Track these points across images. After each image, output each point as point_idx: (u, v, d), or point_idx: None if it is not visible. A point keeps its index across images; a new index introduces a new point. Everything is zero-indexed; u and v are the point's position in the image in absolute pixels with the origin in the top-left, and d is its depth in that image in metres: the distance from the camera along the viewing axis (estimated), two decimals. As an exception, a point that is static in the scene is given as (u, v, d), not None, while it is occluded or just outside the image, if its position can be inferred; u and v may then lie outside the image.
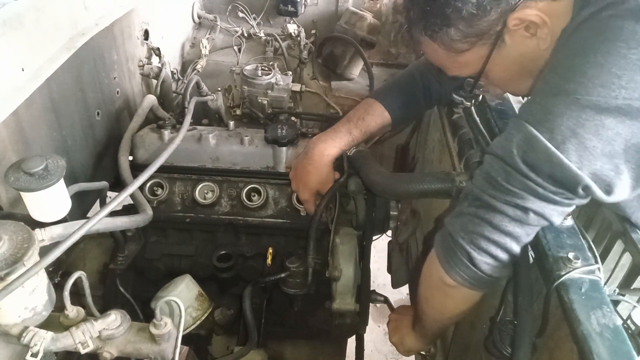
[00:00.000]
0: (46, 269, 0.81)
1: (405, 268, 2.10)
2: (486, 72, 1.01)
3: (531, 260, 0.97)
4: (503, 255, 0.91)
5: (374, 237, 1.58)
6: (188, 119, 1.42)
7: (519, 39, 0.93)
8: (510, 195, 0.85)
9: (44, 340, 0.79)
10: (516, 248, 0.90)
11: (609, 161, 0.77)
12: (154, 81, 1.76)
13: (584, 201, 0.85)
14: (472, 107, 1.28)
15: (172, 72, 1.86)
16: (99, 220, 0.87)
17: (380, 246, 2.09)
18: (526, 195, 0.84)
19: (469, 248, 0.92)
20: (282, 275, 1.38)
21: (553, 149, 0.78)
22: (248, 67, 1.78)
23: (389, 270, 2.05)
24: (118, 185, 1.46)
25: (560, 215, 0.86)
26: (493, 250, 0.91)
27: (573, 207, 0.87)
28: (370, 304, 1.47)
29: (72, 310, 0.87)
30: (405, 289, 2.21)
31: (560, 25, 0.89)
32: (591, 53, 0.78)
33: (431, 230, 1.55)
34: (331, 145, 1.38)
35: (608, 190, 0.80)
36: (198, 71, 2.03)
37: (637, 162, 0.78)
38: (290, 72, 1.88)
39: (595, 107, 0.76)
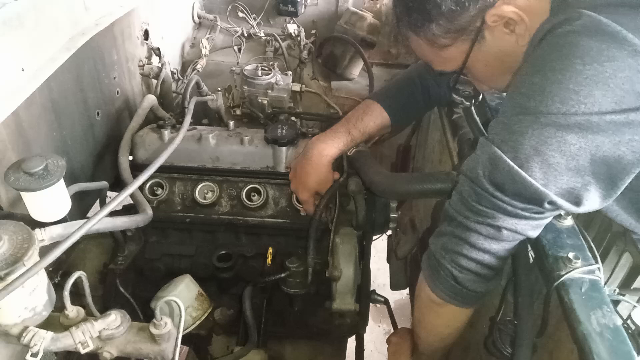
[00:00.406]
0: (46, 269, 0.81)
1: (403, 272, 2.11)
2: (469, 68, 1.03)
3: (531, 260, 0.97)
4: (484, 271, 0.93)
5: (374, 237, 1.58)
6: (188, 119, 1.42)
7: (499, 35, 0.95)
8: (481, 215, 0.88)
9: (44, 340, 0.79)
10: (496, 263, 0.93)
11: (574, 175, 0.79)
12: (154, 81, 1.76)
13: (556, 213, 0.87)
14: (472, 107, 1.28)
15: (172, 72, 1.86)
16: (99, 220, 0.86)
17: (380, 246, 2.09)
18: (496, 214, 0.86)
19: (451, 267, 0.95)
20: (282, 275, 1.38)
21: (516, 168, 0.80)
22: (248, 67, 1.78)
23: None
24: (118, 185, 1.46)
25: (534, 229, 0.88)
26: (473, 268, 0.93)
27: (548, 220, 0.88)
28: (371, 304, 1.47)
29: (72, 310, 0.87)
30: (405, 289, 2.22)
31: (540, 24, 0.90)
32: (549, 70, 0.80)
33: (424, 231, 1.55)
34: (330, 146, 1.38)
35: (577, 202, 0.81)
36: (198, 71, 2.03)
37: (606, 174, 0.79)
38: (290, 72, 1.88)
39: (556, 125, 0.77)
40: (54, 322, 0.87)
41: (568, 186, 0.80)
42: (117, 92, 1.57)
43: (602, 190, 0.80)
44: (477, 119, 1.28)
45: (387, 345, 1.34)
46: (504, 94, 1.31)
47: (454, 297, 0.98)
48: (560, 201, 0.81)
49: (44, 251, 0.78)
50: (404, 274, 2.11)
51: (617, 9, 0.78)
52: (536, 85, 0.81)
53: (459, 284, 0.96)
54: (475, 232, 0.90)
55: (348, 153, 1.42)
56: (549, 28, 0.84)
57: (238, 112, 1.79)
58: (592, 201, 0.81)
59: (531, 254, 0.97)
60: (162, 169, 1.22)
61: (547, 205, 0.82)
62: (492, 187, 0.84)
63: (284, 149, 1.47)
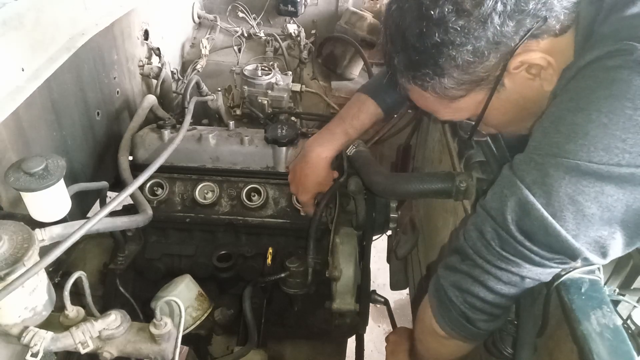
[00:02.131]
0: (46, 269, 0.81)
1: (403, 272, 2.11)
2: (485, 117, 0.95)
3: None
4: (497, 312, 0.89)
5: (374, 237, 1.58)
6: (188, 119, 1.41)
7: (521, 81, 0.86)
8: (505, 262, 0.81)
9: (44, 340, 0.79)
10: (508, 303, 0.88)
11: (605, 227, 0.74)
12: (154, 81, 1.77)
13: (585, 265, 0.81)
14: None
15: (172, 72, 1.86)
16: (99, 220, 0.86)
17: (380, 246, 2.09)
18: (521, 263, 0.80)
19: (464, 308, 0.89)
20: (282, 275, 1.38)
21: (550, 219, 0.74)
22: (248, 67, 1.78)
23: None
24: (118, 185, 1.46)
25: (551, 274, 0.83)
26: (488, 309, 0.88)
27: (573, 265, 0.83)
28: (371, 304, 1.47)
29: (72, 310, 0.87)
30: (405, 289, 2.22)
31: (565, 62, 0.83)
32: (594, 110, 0.72)
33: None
34: (328, 148, 1.37)
35: (604, 254, 0.77)
36: (198, 71, 2.03)
37: (635, 223, 0.74)
38: (290, 72, 1.88)
39: (597, 174, 0.71)
40: (54, 322, 0.87)
41: (596, 236, 0.74)
42: (117, 92, 1.57)
43: (627, 237, 0.75)
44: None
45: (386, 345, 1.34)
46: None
47: (462, 334, 0.93)
48: (592, 257, 0.76)
49: (44, 251, 0.78)
50: (404, 274, 2.11)
51: None
52: (578, 126, 0.73)
53: (470, 324, 0.90)
54: (495, 277, 0.83)
55: (348, 153, 1.42)
56: (591, 59, 0.76)
57: (238, 112, 1.79)
58: (616, 250, 0.77)
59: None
60: (162, 169, 1.22)
61: (578, 261, 0.78)
62: (520, 235, 0.77)
63: (284, 149, 1.47)
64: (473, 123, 1.01)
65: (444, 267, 0.95)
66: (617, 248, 0.77)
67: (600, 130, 0.71)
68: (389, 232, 1.65)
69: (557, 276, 0.83)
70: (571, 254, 0.76)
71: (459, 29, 0.79)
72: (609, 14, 0.80)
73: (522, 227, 0.77)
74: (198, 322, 1.28)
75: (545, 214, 0.74)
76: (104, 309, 0.89)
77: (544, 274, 0.81)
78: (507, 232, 0.79)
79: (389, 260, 2.16)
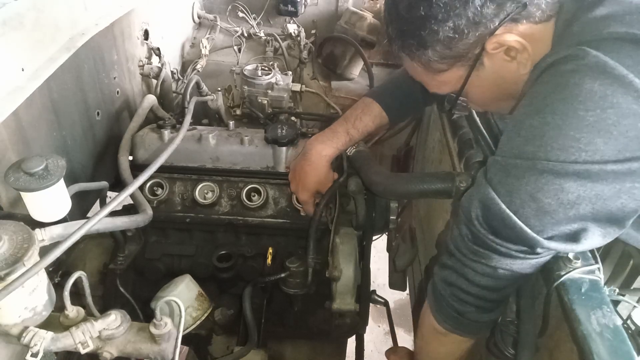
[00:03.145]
0: (46, 269, 0.81)
1: (402, 275, 2.11)
2: (466, 92, 1.00)
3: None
4: (484, 304, 0.93)
5: (374, 237, 1.58)
6: (188, 119, 1.41)
7: (499, 62, 0.91)
8: (476, 255, 0.87)
9: (44, 340, 0.79)
10: (496, 296, 0.92)
11: (574, 223, 0.77)
12: (154, 81, 1.77)
13: (553, 253, 0.85)
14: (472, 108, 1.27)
15: (172, 72, 1.86)
16: (99, 220, 0.86)
17: (380, 246, 2.09)
18: (491, 254, 0.85)
19: (451, 300, 0.95)
20: (282, 275, 1.38)
21: (507, 212, 0.79)
22: (248, 67, 1.78)
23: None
24: (118, 185, 1.46)
25: (532, 267, 0.86)
26: (472, 301, 0.93)
27: (546, 259, 0.86)
28: (371, 304, 1.47)
29: (72, 310, 0.87)
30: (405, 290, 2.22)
31: (543, 51, 0.87)
32: (549, 113, 0.76)
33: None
34: (329, 146, 1.37)
35: (575, 241, 0.79)
36: (198, 71, 2.03)
37: (608, 218, 0.77)
38: (290, 72, 1.88)
39: (554, 172, 0.75)
40: (54, 322, 0.87)
41: (566, 229, 0.78)
42: (117, 92, 1.57)
43: (602, 229, 0.78)
44: (477, 119, 1.28)
45: (386, 345, 1.34)
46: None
47: (456, 327, 0.98)
48: (554, 245, 0.79)
49: (44, 251, 0.78)
50: (403, 274, 2.11)
51: (622, 46, 0.74)
52: (535, 128, 0.78)
53: (460, 316, 0.96)
54: (472, 269, 0.89)
55: (348, 153, 1.42)
56: (551, 62, 0.81)
57: (238, 112, 1.79)
58: (592, 240, 0.79)
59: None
60: (162, 169, 1.22)
61: (539, 250, 0.81)
62: (483, 230, 0.84)
63: (284, 149, 1.47)
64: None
65: (438, 265, 1.01)
66: (594, 238, 0.79)
67: (555, 132, 0.75)
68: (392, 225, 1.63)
69: (557, 276, 0.83)
70: (530, 244, 0.80)
71: (441, 5, 0.84)
72: (584, 12, 0.83)
73: (486, 222, 0.84)
74: (198, 322, 1.28)
75: (503, 207, 0.79)
76: (104, 309, 0.89)
77: (515, 264, 0.85)
78: (473, 227, 0.85)
79: (388, 250, 2.16)
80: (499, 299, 0.93)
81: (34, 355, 0.78)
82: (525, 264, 0.85)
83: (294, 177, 1.42)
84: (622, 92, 0.71)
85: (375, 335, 2.82)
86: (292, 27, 2.24)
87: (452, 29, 0.86)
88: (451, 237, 0.95)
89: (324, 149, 1.37)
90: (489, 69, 0.92)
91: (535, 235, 0.78)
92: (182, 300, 0.91)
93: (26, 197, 0.89)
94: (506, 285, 0.90)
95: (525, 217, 0.78)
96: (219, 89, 1.81)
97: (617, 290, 1.20)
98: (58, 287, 0.90)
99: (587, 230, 0.78)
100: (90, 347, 0.85)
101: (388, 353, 1.35)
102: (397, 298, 2.82)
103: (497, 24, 0.85)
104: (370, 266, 1.49)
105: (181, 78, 1.93)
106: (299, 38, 2.20)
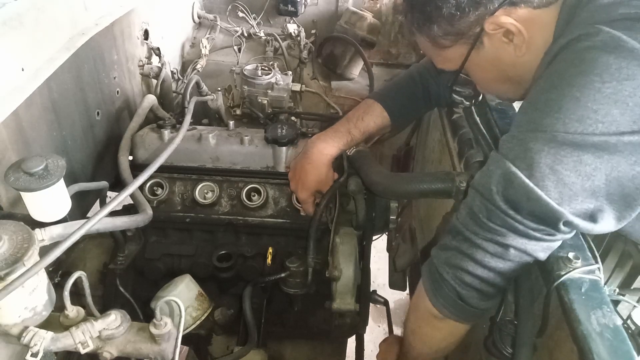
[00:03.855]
0: (46, 269, 0.81)
1: (402, 276, 2.11)
2: (468, 70, 1.04)
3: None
4: (488, 289, 0.92)
5: (374, 237, 1.58)
6: (188, 118, 1.41)
7: (497, 44, 0.94)
8: (490, 232, 0.86)
9: (44, 340, 0.79)
10: (501, 281, 0.91)
11: (589, 196, 0.77)
12: (154, 81, 1.76)
13: (568, 236, 0.84)
14: (472, 107, 1.28)
15: (172, 72, 1.86)
16: (99, 220, 0.86)
17: (380, 246, 2.09)
18: (506, 232, 0.84)
19: (454, 283, 0.93)
20: (282, 275, 1.38)
21: (532, 185, 0.78)
22: (248, 67, 1.78)
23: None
24: (118, 185, 1.46)
25: (544, 250, 0.86)
26: (477, 285, 0.91)
27: (558, 242, 0.86)
28: (371, 304, 1.47)
29: (72, 310, 0.87)
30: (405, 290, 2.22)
31: (543, 37, 0.90)
32: (566, 86, 0.78)
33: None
34: (330, 145, 1.38)
35: (593, 221, 0.80)
36: (198, 71, 2.03)
37: (620, 194, 0.77)
38: (290, 72, 1.88)
39: (573, 144, 0.76)
40: (54, 322, 0.87)
41: (582, 207, 0.78)
42: (117, 92, 1.57)
43: (616, 211, 0.79)
44: (477, 119, 1.28)
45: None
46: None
47: (455, 313, 0.97)
48: (577, 220, 0.79)
49: (44, 251, 0.78)
50: (403, 275, 2.11)
51: (634, 24, 0.76)
52: (553, 101, 0.79)
53: (461, 300, 0.94)
54: (482, 249, 0.88)
55: (348, 153, 1.42)
56: (565, 43, 0.83)
57: (238, 112, 1.79)
58: (607, 222, 0.80)
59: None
60: (162, 169, 1.22)
61: (562, 227, 0.80)
62: (505, 205, 0.82)
63: (284, 148, 1.47)
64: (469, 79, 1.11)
65: (437, 247, 1.00)
66: (608, 220, 0.80)
67: (573, 104, 0.76)
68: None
69: (557, 276, 0.83)
70: (553, 218, 0.80)
71: None
72: (590, 1, 0.85)
73: (506, 197, 0.82)
74: (198, 322, 1.28)
75: (527, 181, 0.79)
76: (104, 309, 0.89)
77: (530, 245, 0.84)
78: (492, 203, 0.84)
79: (388, 249, 2.16)
80: (501, 284, 0.92)
81: (34, 355, 0.78)
82: (538, 246, 0.84)
83: (293, 175, 1.42)
84: (637, 64, 0.73)
85: (375, 335, 2.82)
86: (292, 27, 2.24)
87: (454, 6, 0.91)
88: (458, 216, 0.93)
89: (325, 147, 1.37)
90: (488, 49, 0.96)
91: (557, 206, 0.78)
92: (182, 300, 0.91)
93: (26, 197, 0.89)
94: (513, 269, 0.89)
95: (547, 189, 0.78)
96: (219, 89, 1.81)
97: (617, 290, 1.20)
98: (58, 287, 0.90)
99: (602, 211, 0.78)
100: (90, 347, 0.85)
101: (380, 344, 1.35)
102: (397, 298, 2.82)
103: (496, 5, 0.89)
104: (370, 266, 1.49)
105: (181, 78, 1.93)
106: (299, 38, 2.20)
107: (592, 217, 0.79)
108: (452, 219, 0.96)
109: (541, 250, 0.85)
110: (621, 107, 0.73)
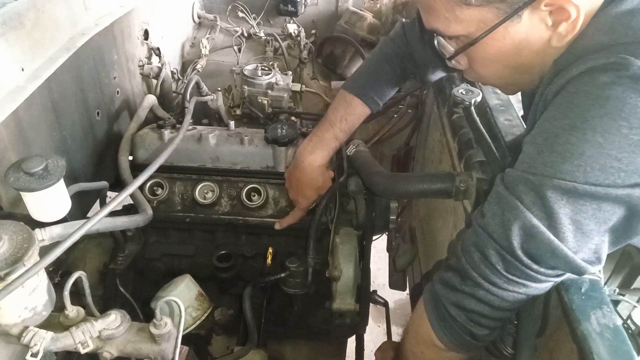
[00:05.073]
0: (46, 269, 0.81)
1: (402, 276, 2.11)
2: (474, 47, 0.86)
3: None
4: (501, 324, 0.90)
5: (374, 237, 1.58)
6: (188, 118, 1.42)
7: (537, 24, 0.80)
8: (511, 284, 0.81)
9: (44, 340, 0.79)
10: (511, 314, 0.89)
11: (600, 237, 0.76)
12: (154, 81, 1.77)
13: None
14: (472, 107, 1.28)
15: (172, 72, 1.86)
16: (99, 220, 0.86)
17: (380, 246, 2.09)
18: (528, 284, 0.81)
19: (469, 326, 0.88)
20: (282, 275, 1.38)
21: (557, 242, 0.74)
22: (248, 67, 1.78)
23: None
24: (118, 185, 1.46)
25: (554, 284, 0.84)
26: (492, 324, 0.88)
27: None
28: (371, 304, 1.47)
29: (72, 310, 0.87)
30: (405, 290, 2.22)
31: (580, 26, 0.79)
32: (589, 129, 0.71)
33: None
34: (320, 156, 1.37)
35: (599, 259, 0.78)
36: (198, 71, 2.03)
37: (623, 229, 0.76)
38: (290, 72, 1.88)
39: (594, 196, 0.72)
40: (54, 322, 0.87)
41: (592, 245, 0.76)
42: (117, 92, 1.57)
43: (614, 238, 0.77)
44: (477, 119, 1.28)
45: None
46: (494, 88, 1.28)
47: (464, 348, 0.93)
48: (591, 268, 0.77)
49: (44, 251, 0.78)
50: (403, 275, 2.11)
51: None
52: (574, 146, 0.72)
53: (474, 339, 0.90)
54: (501, 298, 0.83)
55: (348, 153, 1.42)
56: (585, 70, 0.74)
57: (238, 112, 1.79)
58: (606, 251, 0.78)
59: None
60: (162, 169, 1.22)
61: (584, 276, 0.79)
62: (527, 259, 0.78)
63: (283, 148, 1.47)
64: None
65: (441, 283, 0.93)
66: (606, 249, 0.78)
67: (596, 150, 0.71)
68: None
69: (557, 276, 0.83)
70: (577, 272, 0.78)
71: None
72: (612, 3, 0.77)
73: (528, 251, 0.78)
74: (198, 322, 1.28)
75: (552, 237, 0.74)
76: (104, 309, 0.89)
77: (548, 286, 0.83)
78: (513, 256, 0.79)
79: (388, 249, 2.16)
80: (511, 317, 0.90)
81: (34, 355, 0.78)
82: (552, 284, 0.82)
83: (290, 186, 1.42)
84: None
85: (375, 335, 2.82)
86: (292, 27, 2.24)
87: None
88: (468, 260, 0.85)
89: (315, 159, 1.37)
90: (523, 26, 0.80)
91: (579, 261, 0.75)
92: (182, 300, 0.91)
93: (26, 197, 0.89)
94: (526, 304, 0.86)
95: (566, 241, 0.75)
96: (219, 89, 1.81)
97: (617, 290, 1.20)
98: (58, 287, 0.90)
99: (604, 242, 0.77)
100: (90, 347, 0.85)
101: (375, 353, 1.34)
102: (397, 298, 2.82)
103: None
104: (370, 266, 1.49)
105: (181, 78, 1.93)
106: (299, 38, 2.20)
107: (596, 254, 0.77)
108: (460, 258, 0.88)
109: (553, 284, 0.84)
110: None
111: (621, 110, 0.69)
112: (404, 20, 1.38)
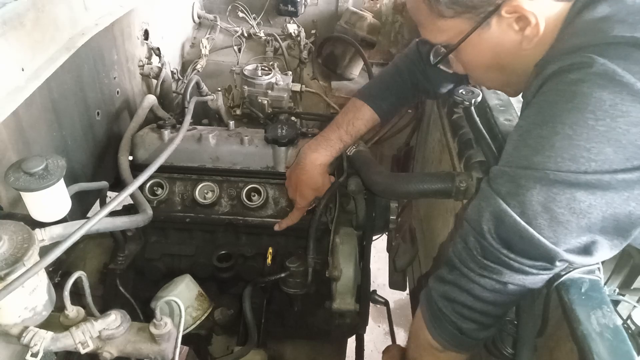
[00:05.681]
0: (46, 269, 0.81)
1: (402, 276, 2.11)
2: (459, 50, 0.95)
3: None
4: (488, 320, 0.91)
5: (374, 237, 1.58)
6: (188, 118, 1.42)
7: (505, 29, 0.88)
8: (486, 269, 0.84)
9: (44, 340, 0.79)
10: (500, 311, 0.90)
11: (584, 233, 0.76)
12: (154, 81, 1.77)
13: (563, 267, 0.83)
14: (472, 107, 1.28)
15: (172, 72, 1.86)
16: (99, 220, 0.86)
17: (380, 246, 2.09)
18: (502, 270, 0.83)
19: (454, 318, 0.92)
20: (282, 275, 1.38)
21: (523, 224, 0.77)
22: (248, 67, 1.78)
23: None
24: (118, 185, 1.46)
25: (543, 282, 0.85)
26: (477, 318, 0.90)
27: (556, 271, 0.85)
28: (371, 304, 1.47)
29: (72, 310, 0.87)
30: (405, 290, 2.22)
31: (551, 33, 0.86)
32: (559, 123, 0.75)
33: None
34: (323, 155, 1.37)
35: (588, 254, 0.79)
36: (198, 71, 2.03)
37: (615, 228, 0.76)
38: (290, 72, 1.88)
39: (566, 182, 0.74)
40: (54, 322, 0.87)
41: (577, 243, 0.77)
42: (117, 92, 1.57)
43: (609, 241, 0.78)
44: (477, 119, 1.28)
45: (386, 345, 1.34)
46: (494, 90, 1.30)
47: (455, 345, 0.95)
48: (572, 257, 0.78)
49: (44, 251, 0.78)
50: (403, 275, 2.11)
51: (629, 53, 0.73)
52: (545, 139, 0.77)
53: (462, 334, 0.92)
54: (480, 285, 0.86)
55: (348, 153, 1.42)
56: (556, 70, 0.79)
57: (238, 112, 1.79)
58: (602, 252, 0.79)
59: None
60: (162, 169, 1.22)
61: (557, 263, 0.80)
62: (497, 243, 0.81)
63: (284, 148, 1.47)
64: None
65: (434, 278, 0.97)
66: (603, 251, 0.79)
67: (565, 142, 0.74)
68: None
69: (557, 276, 0.83)
70: (548, 257, 0.79)
71: None
72: (585, 8, 0.82)
73: (499, 236, 0.81)
74: (198, 322, 1.28)
75: (519, 219, 0.78)
76: (104, 309, 0.89)
77: (527, 280, 0.83)
78: (485, 240, 0.83)
79: (388, 249, 2.16)
80: (501, 314, 0.91)
81: (34, 355, 0.78)
82: (537, 279, 0.83)
83: (290, 184, 1.43)
84: (631, 99, 0.71)
85: (375, 335, 2.82)
86: (292, 27, 2.24)
87: None
88: (454, 250, 0.91)
89: (317, 158, 1.37)
90: (494, 32, 0.89)
91: (553, 246, 0.77)
92: (182, 300, 0.91)
93: (26, 197, 0.89)
94: (513, 300, 0.88)
95: (540, 228, 0.77)
96: (219, 89, 1.81)
97: (617, 290, 1.20)
98: (58, 287, 0.90)
99: (596, 243, 0.77)
100: (90, 347, 0.85)
101: (383, 355, 1.34)
102: (397, 298, 2.82)
103: None
104: (370, 266, 1.49)
105: (181, 78, 1.93)
106: (299, 38, 2.20)
107: (586, 251, 0.78)
108: (449, 252, 0.93)
109: (540, 282, 0.84)
110: (614, 145, 0.72)
111: (587, 104, 0.73)
112: (417, 40, 1.38)
